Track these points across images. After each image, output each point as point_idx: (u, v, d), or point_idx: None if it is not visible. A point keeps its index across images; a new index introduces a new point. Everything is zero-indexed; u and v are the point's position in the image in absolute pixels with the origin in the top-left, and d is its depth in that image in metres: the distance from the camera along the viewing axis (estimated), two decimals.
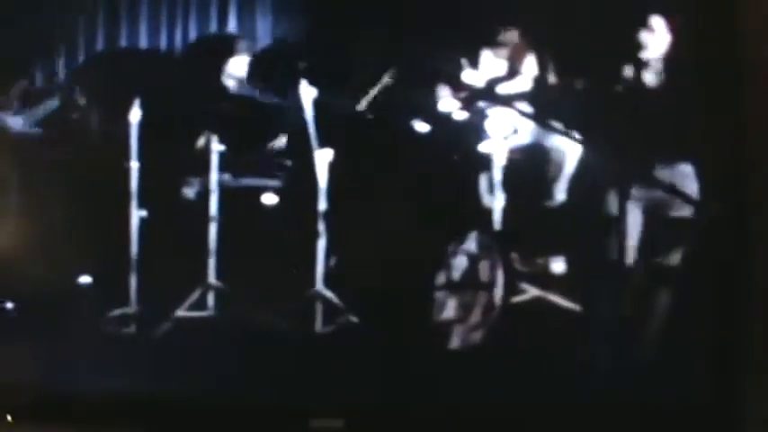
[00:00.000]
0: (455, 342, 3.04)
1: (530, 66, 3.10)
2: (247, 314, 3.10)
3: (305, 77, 3.10)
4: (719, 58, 2.74)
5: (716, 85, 2.74)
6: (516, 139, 3.09)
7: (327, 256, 3.10)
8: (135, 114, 3.17)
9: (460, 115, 3.09)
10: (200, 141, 3.20)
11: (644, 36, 2.88)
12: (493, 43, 3.11)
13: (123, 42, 3.22)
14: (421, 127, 3.10)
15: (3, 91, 3.17)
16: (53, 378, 2.95)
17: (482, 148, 3.09)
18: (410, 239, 3.04)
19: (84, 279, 3.13)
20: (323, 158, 3.12)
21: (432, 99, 3.10)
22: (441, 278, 3.07)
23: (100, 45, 3.22)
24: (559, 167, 3.07)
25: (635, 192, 2.94)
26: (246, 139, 3.18)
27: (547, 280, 3.03)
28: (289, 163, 3.17)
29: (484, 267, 3.06)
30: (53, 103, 3.16)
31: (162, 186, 3.18)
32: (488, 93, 3.08)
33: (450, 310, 3.05)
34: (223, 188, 3.18)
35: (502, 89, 3.11)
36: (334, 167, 3.12)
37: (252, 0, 3.17)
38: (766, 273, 2.65)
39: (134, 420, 2.85)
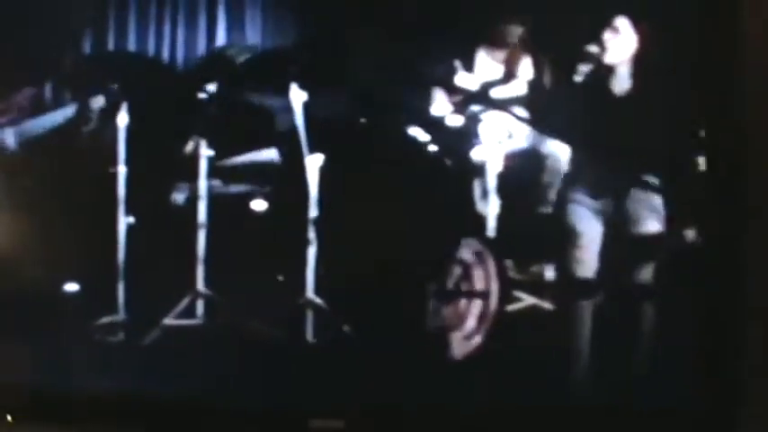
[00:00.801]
0: (449, 351, 3.01)
1: (526, 69, 3.08)
2: (237, 322, 3.09)
3: (295, 81, 3.07)
4: (720, 61, 2.74)
5: (715, 89, 2.75)
6: (511, 143, 3.05)
7: (318, 264, 3.07)
8: (122, 118, 3.16)
9: (454, 119, 3.06)
10: (189, 146, 3.17)
11: (608, 37, 2.88)
12: (488, 45, 3.09)
13: (111, 45, 3.22)
14: (414, 131, 3.08)
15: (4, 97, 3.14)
16: (53, 378, 2.98)
17: (476, 153, 3.05)
18: (402, 246, 3.01)
19: (71, 287, 3.13)
20: (313, 164, 3.09)
21: (425, 103, 3.07)
22: (434, 286, 3.05)
23: (87, 49, 3.24)
24: (554, 173, 3.04)
25: (631, 196, 2.91)
26: (236, 144, 3.15)
27: (542, 288, 3.00)
28: (279, 169, 3.14)
29: (478, 275, 3.02)
30: (68, 111, 3.17)
31: (150, 192, 3.16)
32: (483, 96, 3.05)
33: (443, 318, 3.02)
34: (212, 194, 3.15)
35: (497, 93, 3.08)
36: (324, 173, 3.09)
37: (241, 3, 3.15)
38: (764, 274, 2.65)
39: (134, 420, 2.87)
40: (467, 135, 3.04)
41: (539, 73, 3.04)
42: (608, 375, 2.83)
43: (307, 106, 3.09)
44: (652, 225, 2.90)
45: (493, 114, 3.04)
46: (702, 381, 2.68)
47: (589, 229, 2.93)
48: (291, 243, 3.09)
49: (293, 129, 3.10)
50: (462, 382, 2.96)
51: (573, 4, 2.93)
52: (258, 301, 3.07)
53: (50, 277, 3.11)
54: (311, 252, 3.08)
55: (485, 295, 3.00)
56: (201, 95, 3.16)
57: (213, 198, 3.16)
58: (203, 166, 3.16)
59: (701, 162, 2.78)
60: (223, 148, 3.17)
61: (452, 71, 3.07)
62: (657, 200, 2.89)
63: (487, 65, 3.07)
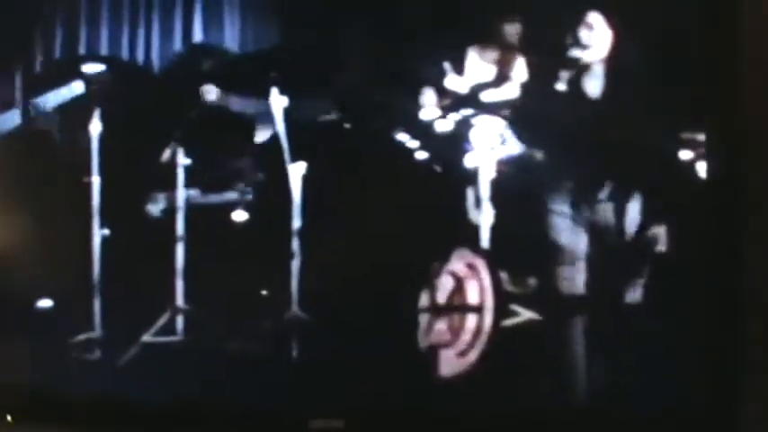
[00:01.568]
0: (442, 368, 2.96)
1: (519, 71, 2.99)
2: (219, 339, 3.05)
3: (276, 85, 3.01)
4: (720, 58, 2.70)
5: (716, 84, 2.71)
6: (504, 149, 2.96)
7: (302, 278, 3.01)
8: (95, 126, 3.11)
9: (444, 124, 2.98)
10: (166, 154, 3.10)
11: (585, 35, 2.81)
12: (479, 45, 3.00)
13: (82, 49, 3.15)
14: (402, 137, 3.00)
15: None
16: (53, 378, 2.98)
17: (468, 159, 2.97)
18: (391, 258, 2.95)
19: (45, 303, 3.11)
20: (296, 172, 3.03)
21: (413, 107, 2.99)
22: (424, 300, 2.98)
23: (58, 52, 3.17)
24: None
25: (630, 197, 2.86)
26: (215, 151, 3.10)
27: (539, 301, 2.93)
28: (260, 177, 3.08)
29: (471, 288, 2.95)
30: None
31: (125, 203, 3.11)
32: (474, 100, 2.98)
33: (435, 334, 2.96)
34: (190, 205, 3.09)
35: (489, 96, 3.01)
36: (308, 182, 3.02)
37: (219, 2, 3.08)
38: (762, 272, 2.64)
39: (134, 420, 2.87)
40: (458, 140, 2.97)
41: (534, 75, 2.97)
42: (608, 375, 2.82)
43: (288, 112, 3.03)
44: (648, 225, 2.86)
45: (485, 119, 2.97)
46: (702, 380, 2.68)
47: (581, 237, 2.89)
48: (274, 256, 3.03)
49: (274, 135, 3.04)
50: (455, 398, 2.93)
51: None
52: (241, 316, 3.03)
53: (23, 293, 3.10)
54: (295, 265, 3.02)
55: (479, 310, 2.94)
56: (178, 101, 3.12)
57: (191, 209, 3.09)
58: (181, 175, 3.09)
59: (700, 160, 2.77)
60: (201, 156, 3.10)
61: (442, 73, 2.99)
62: (657, 200, 2.86)
63: (479, 66, 3.00)
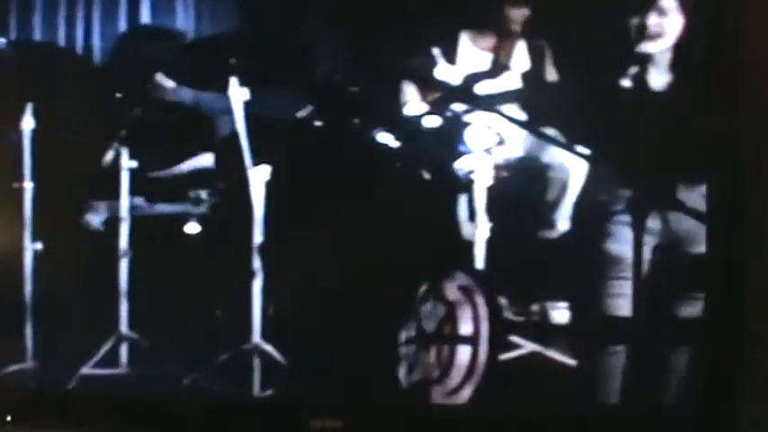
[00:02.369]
0: (429, 410, 2.82)
1: (520, 58, 2.92)
2: (168, 372, 2.90)
3: (235, 76, 2.89)
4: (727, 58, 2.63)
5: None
6: (503, 152, 2.86)
7: (266, 301, 2.89)
8: (27, 122, 3.00)
9: (432, 122, 2.86)
10: (108, 156, 2.99)
11: (655, 21, 2.73)
12: (473, 29, 2.92)
13: (13, 35, 3.08)
14: (382, 137, 2.88)
15: None
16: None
17: (460, 163, 2.86)
18: (370, 280, 2.81)
19: None
20: (258, 177, 2.89)
21: (396, 102, 2.90)
22: (409, 330, 2.83)
23: None
24: (560, 189, 2.85)
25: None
26: (165, 153, 3.01)
27: (545, 332, 2.83)
28: (217, 184, 2.98)
29: (464, 316, 2.79)
30: None
31: (61, 212, 3.00)
32: (467, 93, 2.87)
33: (422, 369, 2.81)
34: (136, 215, 2.99)
35: (484, 88, 2.89)
36: (272, 189, 2.89)
37: None
38: (763, 272, 2.62)
39: (134, 420, 2.82)
40: (448, 141, 2.86)
41: (537, 63, 2.90)
42: (608, 376, 2.76)
43: (249, 106, 2.91)
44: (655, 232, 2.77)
45: (480, 115, 2.86)
46: (702, 380, 2.65)
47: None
48: (232, 275, 2.92)
49: (233, 134, 2.91)
50: None
51: None
52: (194, 346, 2.90)
53: None
54: (257, 286, 2.89)
55: (473, 341, 2.79)
56: (122, 93, 3.01)
57: (137, 220, 3.00)
58: (125, 181, 2.98)
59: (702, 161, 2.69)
60: (149, 158, 3.00)
61: (429, 62, 2.88)
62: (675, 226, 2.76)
63: (472, 54, 2.90)
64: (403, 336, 2.83)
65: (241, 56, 2.89)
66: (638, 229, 2.74)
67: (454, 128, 2.85)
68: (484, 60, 2.90)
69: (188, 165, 3.01)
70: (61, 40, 3.05)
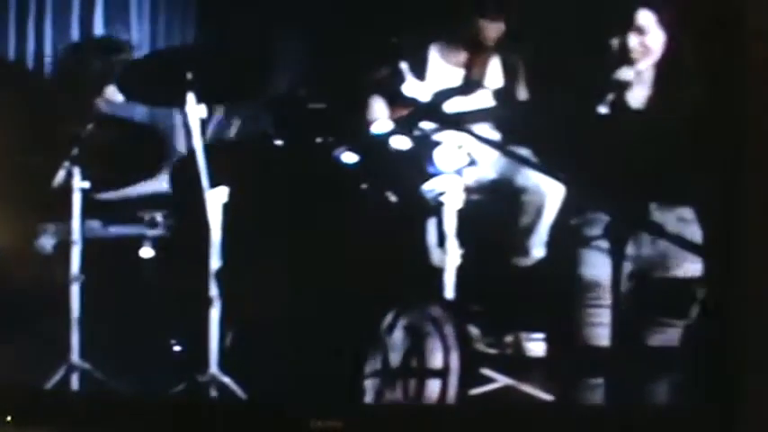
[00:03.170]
0: None
1: (493, 75, 2.93)
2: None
3: (192, 91, 2.84)
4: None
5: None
6: (475, 173, 2.88)
7: (223, 330, 2.84)
8: None
9: (399, 141, 2.88)
10: (59, 176, 2.97)
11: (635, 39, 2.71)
12: (444, 43, 2.93)
13: None
14: (346, 157, 2.88)
15: None
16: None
17: (429, 185, 2.86)
18: (333, 309, 2.78)
19: None
20: (216, 199, 2.85)
21: (361, 119, 2.93)
22: (374, 362, 2.77)
23: None
24: (535, 213, 2.87)
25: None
26: (118, 173, 3.00)
27: (519, 364, 2.85)
28: (172, 206, 2.98)
29: (432, 347, 2.77)
30: None
31: (8, 235, 2.91)
32: (436, 111, 2.90)
33: (386, 404, 2.76)
34: (88, 238, 2.95)
35: (454, 106, 2.91)
36: (230, 212, 2.86)
37: None
38: (762, 272, 2.60)
39: (134, 420, 2.77)
40: (416, 162, 2.89)
41: (511, 79, 2.91)
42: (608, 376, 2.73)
43: (206, 124, 2.92)
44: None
45: (450, 134, 2.85)
46: (702, 380, 2.63)
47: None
48: (189, 302, 2.88)
49: (190, 153, 2.90)
50: None
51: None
52: (149, 376, 2.86)
53: None
54: (214, 314, 2.84)
55: (442, 374, 2.76)
56: (74, 109, 3.01)
57: (90, 243, 2.95)
58: (77, 202, 2.93)
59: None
60: (102, 178, 2.97)
61: (397, 77, 2.91)
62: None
63: (443, 69, 2.94)
64: (368, 369, 2.78)
65: (198, 70, 2.87)
66: (618, 251, 2.71)
67: (423, 147, 2.87)
68: (455, 76, 2.93)
69: (143, 185, 3.01)
70: (10, 52, 3.08)
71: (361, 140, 2.89)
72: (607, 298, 2.72)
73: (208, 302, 2.84)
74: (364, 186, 2.88)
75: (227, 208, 2.86)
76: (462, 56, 2.90)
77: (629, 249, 2.75)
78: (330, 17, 2.88)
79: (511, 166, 2.87)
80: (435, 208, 2.86)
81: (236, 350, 2.88)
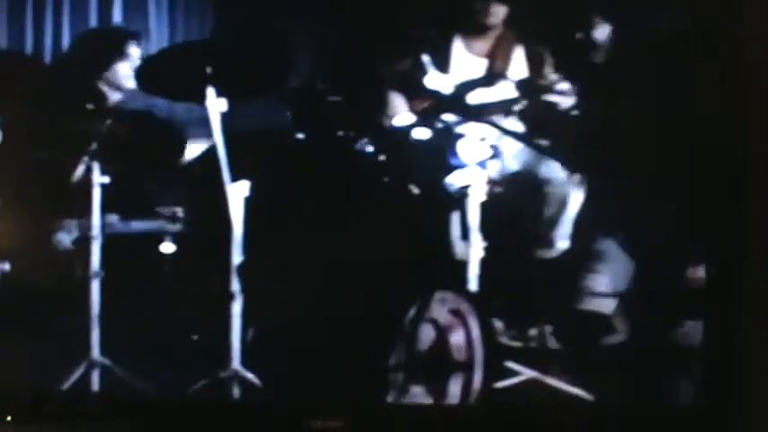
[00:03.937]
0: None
1: (517, 65, 2.91)
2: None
3: (212, 85, 2.84)
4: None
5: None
6: (498, 165, 2.86)
7: (245, 325, 2.84)
8: None
9: (422, 133, 2.86)
10: (78, 171, 2.97)
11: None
12: (467, 33, 2.91)
13: None
14: (368, 150, 2.87)
15: None
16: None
17: (452, 178, 2.85)
18: (356, 303, 2.77)
19: None
20: (237, 194, 2.85)
21: (383, 112, 2.92)
22: (398, 355, 2.73)
23: None
24: (559, 205, 2.87)
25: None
26: (138, 168, 3.00)
27: (544, 357, 2.83)
28: (193, 200, 2.98)
29: (456, 340, 2.74)
30: None
31: (28, 231, 2.95)
32: (459, 103, 2.88)
33: (411, 396, 2.73)
34: (108, 234, 2.94)
35: (477, 98, 2.89)
36: (252, 206, 2.85)
37: None
38: (762, 272, 2.62)
39: (134, 420, 2.78)
40: (439, 154, 2.85)
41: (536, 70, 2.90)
42: (609, 376, 2.78)
43: (227, 118, 2.88)
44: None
45: (473, 126, 2.84)
46: (703, 380, 2.66)
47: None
48: (210, 298, 2.86)
49: (211, 148, 2.88)
50: None
51: None
52: (170, 373, 2.84)
53: None
54: (236, 310, 2.84)
55: (466, 367, 2.75)
56: (92, 104, 3.01)
57: (110, 239, 2.94)
58: (97, 197, 2.92)
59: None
60: (121, 173, 2.95)
61: (419, 69, 2.90)
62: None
63: (466, 60, 2.92)
64: (392, 362, 2.75)
65: (218, 64, 2.86)
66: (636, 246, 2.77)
67: (445, 140, 2.85)
68: (478, 67, 2.92)
69: (163, 180, 3.01)
70: (28, 47, 3.07)
71: (382, 133, 2.88)
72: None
73: (229, 297, 2.84)
74: (386, 179, 2.87)
75: (248, 202, 2.86)
76: (486, 46, 2.90)
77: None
78: (351, 9, 2.87)
79: (534, 158, 2.87)
80: (458, 200, 2.84)
81: (259, 346, 2.86)
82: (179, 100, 2.97)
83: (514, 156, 2.88)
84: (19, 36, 3.05)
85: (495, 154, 2.85)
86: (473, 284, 2.83)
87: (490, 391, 2.79)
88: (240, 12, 2.97)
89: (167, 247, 2.95)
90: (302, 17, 2.91)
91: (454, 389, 2.76)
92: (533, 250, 2.87)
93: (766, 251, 2.65)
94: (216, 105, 2.86)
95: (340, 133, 2.87)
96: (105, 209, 2.94)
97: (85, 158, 2.94)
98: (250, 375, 2.80)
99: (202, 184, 2.95)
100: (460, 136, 2.85)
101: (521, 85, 2.88)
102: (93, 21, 3.04)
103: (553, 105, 2.86)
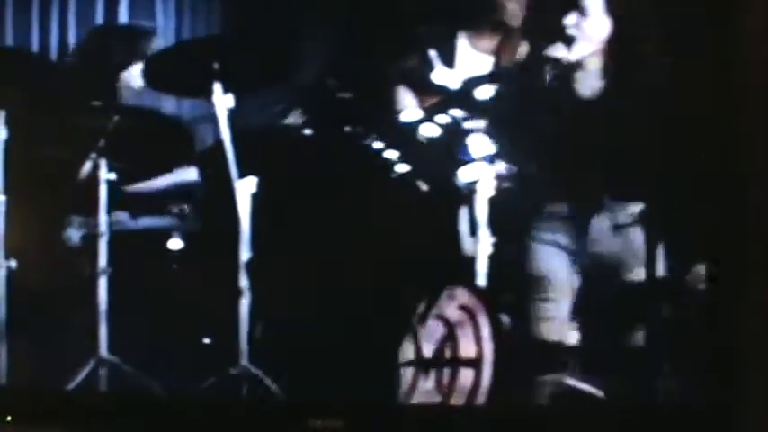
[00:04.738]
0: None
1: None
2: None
3: (219, 81, 2.86)
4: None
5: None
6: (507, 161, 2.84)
7: (254, 322, 2.85)
8: None
9: (430, 129, 2.86)
10: (86, 168, 2.96)
11: None
12: (473, 30, 2.92)
13: None
14: (376, 146, 2.87)
15: None
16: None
17: (460, 174, 2.84)
18: (364, 299, 2.80)
19: None
20: (245, 190, 2.86)
21: (390, 108, 2.92)
22: (407, 352, 2.78)
23: None
24: None
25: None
26: (146, 164, 3.01)
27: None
28: (201, 197, 2.99)
29: (466, 337, 2.74)
30: None
31: (36, 228, 2.95)
32: (467, 98, 2.86)
33: (420, 394, 2.76)
34: (116, 230, 2.96)
35: (485, 93, 2.87)
36: (259, 202, 2.87)
37: None
38: (762, 272, 2.63)
39: (134, 420, 2.80)
40: (447, 150, 2.85)
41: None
42: (609, 375, 2.76)
43: (234, 114, 2.89)
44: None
45: (481, 122, 2.83)
46: (703, 379, 2.65)
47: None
48: (219, 294, 2.87)
49: (218, 144, 2.89)
50: None
51: None
52: (178, 370, 2.85)
53: None
54: (244, 306, 2.84)
55: (476, 364, 2.74)
56: (99, 101, 2.98)
57: (117, 235, 2.95)
58: (104, 194, 2.93)
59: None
60: (129, 170, 2.97)
61: (426, 65, 2.89)
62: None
63: (472, 56, 2.92)
64: (400, 359, 2.79)
65: (225, 60, 2.87)
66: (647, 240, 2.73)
67: (453, 136, 2.84)
68: (484, 63, 2.91)
69: (171, 177, 3.01)
70: (34, 44, 3.07)
71: (390, 129, 2.87)
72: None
73: (237, 294, 2.84)
74: (394, 175, 2.86)
75: (256, 198, 2.86)
76: (491, 42, 2.89)
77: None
78: (358, 5, 2.87)
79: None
80: (466, 196, 2.82)
81: (267, 343, 2.86)
82: (186, 96, 2.99)
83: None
84: (25, 33, 3.04)
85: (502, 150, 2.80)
86: (482, 280, 2.80)
87: (499, 390, 2.72)
88: (247, 7, 2.96)
89: (175, 244, 2.96)
90: (309, 13, 2.91)
91: (463, 385, 2.74)
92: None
93: (766, 251, 2.65)
94: (223, 102, 2.86)
95: (348, 129, 2.86)
96: (113, 206, 2.95)
97: (93, 155, 2.94)
98: (257, 371, 2.81)
99: (210, 181, 2.97)
100: (468, 132, 2.82)
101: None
102: (99, 17, 3.03)
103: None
